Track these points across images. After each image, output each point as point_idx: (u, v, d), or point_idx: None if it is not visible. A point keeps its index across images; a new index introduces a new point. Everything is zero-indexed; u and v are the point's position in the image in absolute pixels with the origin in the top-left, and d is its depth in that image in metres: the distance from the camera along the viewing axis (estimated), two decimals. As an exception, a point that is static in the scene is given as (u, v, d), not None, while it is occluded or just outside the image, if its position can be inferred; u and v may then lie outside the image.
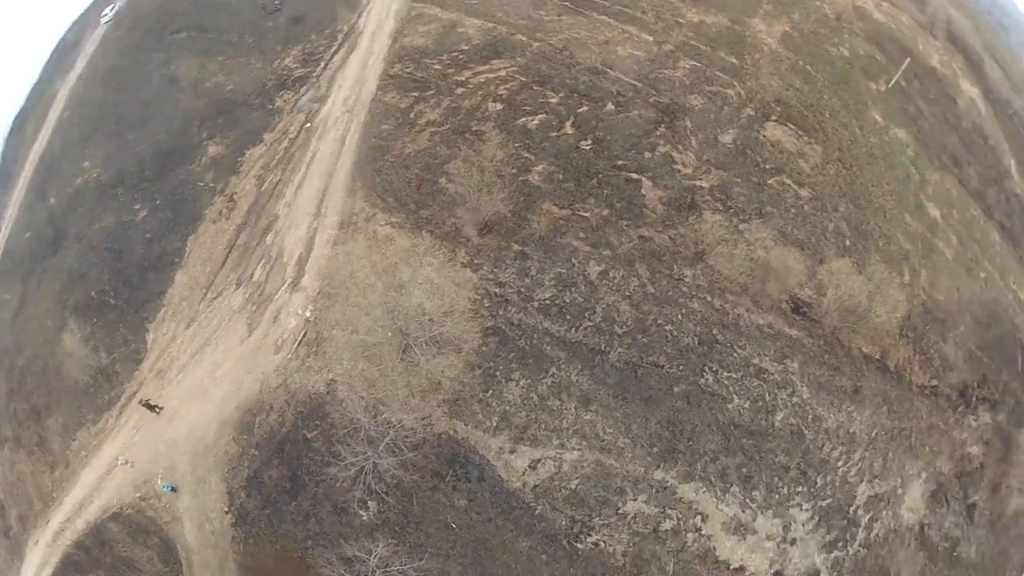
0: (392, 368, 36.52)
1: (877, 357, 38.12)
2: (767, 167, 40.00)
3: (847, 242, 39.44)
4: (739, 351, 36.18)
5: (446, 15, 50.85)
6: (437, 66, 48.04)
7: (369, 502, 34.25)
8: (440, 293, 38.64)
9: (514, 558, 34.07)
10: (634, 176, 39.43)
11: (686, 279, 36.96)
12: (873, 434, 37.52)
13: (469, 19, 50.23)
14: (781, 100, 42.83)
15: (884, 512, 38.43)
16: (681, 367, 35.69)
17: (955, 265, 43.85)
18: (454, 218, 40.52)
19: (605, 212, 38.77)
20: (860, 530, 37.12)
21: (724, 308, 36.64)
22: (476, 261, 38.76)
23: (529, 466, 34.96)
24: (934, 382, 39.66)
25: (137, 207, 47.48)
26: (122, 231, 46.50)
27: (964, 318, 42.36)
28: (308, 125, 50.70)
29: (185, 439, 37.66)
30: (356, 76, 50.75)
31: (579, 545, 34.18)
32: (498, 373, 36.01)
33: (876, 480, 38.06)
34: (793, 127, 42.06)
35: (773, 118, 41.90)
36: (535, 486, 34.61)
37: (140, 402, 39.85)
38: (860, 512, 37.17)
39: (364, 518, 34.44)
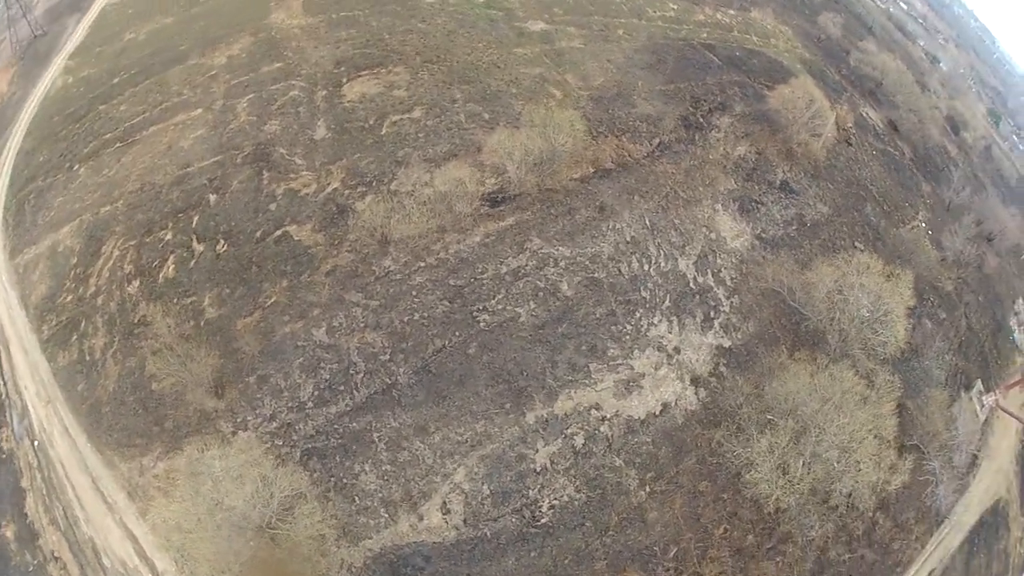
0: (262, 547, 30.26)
1: (592, 170, 35.89)
2: (371, 122, 36.24)
3: (487, 115, 36.68)
4: (483, 277, 32.53)
5: (40, 246, 44.79)
6: (69, 297, 41.78)
7: None
8: (245, 474, 33.47)
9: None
10: (278, 233, 34.53)
11: (391, 268, 32.53)
12: (648, 222, 35.13)
13: (60, 230, 44.17)
14: (340, 60, 39.24)
15: (717, 260, 36.57)
16: (456, 332, 31.56)
17: (589, 47, 42.75)
18: (191, 405, 34.93)
19: (285, 282, 33.55)
20: (716, 291, 34.83)
21: (441, 256, 32.61)
22: (239, 420, 33.05)
23: (443, 512, 30.21)
24: (656, 141, 37.95)
25: None
26: None
27: (630, 78, 41.18)
28: (36, 443, 43.51)
29: None
30: (27, 372, 43.88)
31: (541, 522, 30.10)
32: (345, 480, 30.58)
33: (686, 248, 35.84)
34: (367, 71, 38.66)
35: (344, 80, 38.31)
36: (463, 520, 30.05)
37: None
38: (699, 279, 34.84)
39: None
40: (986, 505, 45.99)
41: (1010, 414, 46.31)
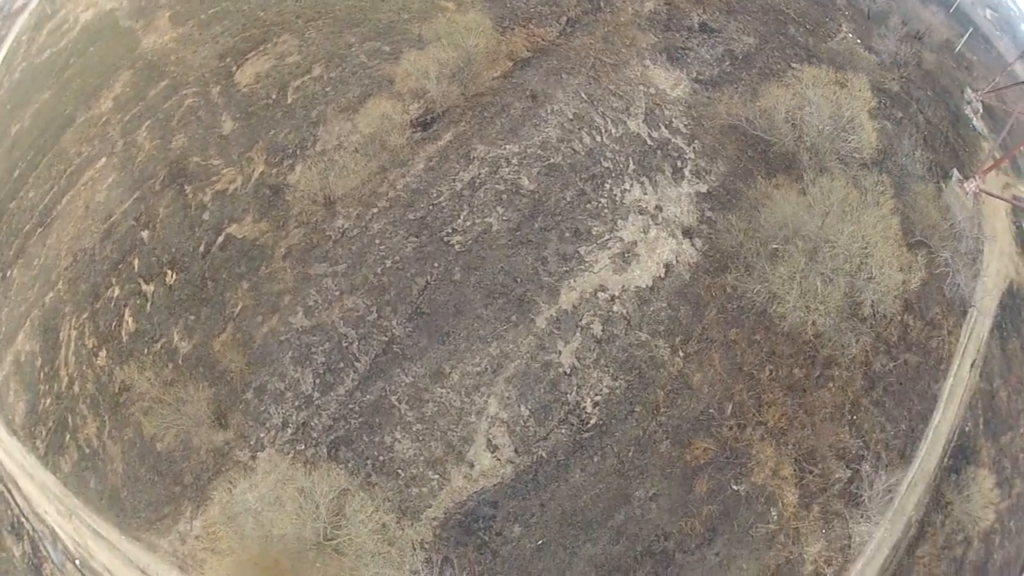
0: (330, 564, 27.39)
1: (511, 64, 32.36)
2: (274, 96, 32.18)
3: (387, 48, 32.81)
4: (441, 200, 29.26)
5: (3, 365, 39.61)
6: (48, 400, 35.89)
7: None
8: (281, 495, 29.94)
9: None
10: (220, 239, 30.77)
11: (346, 226, 28.85)
12: (584, 95, 31.59)
13: (15, 341, 39.05)
14: (223, 52, 35.01)
15: (665, 112, 33.26)
16: (434, 264, 28.33)
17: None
18: (201, 448, 31.31)
19: (245, 284, 29.72)
20: (675, 140, 31.95)
21: (392, 195, 29.08)
22: (254, 442, 29.12)
23: (491, 451, 27.77)
24: (563, 19, 34.92)
25: None
26: None
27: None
28: (78, 561, 39.66)
29: None
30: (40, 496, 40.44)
31: (591, 424, 27.92)
32: (381, 458, 27.80)
33: (630, 109, 32.28)
34: (251, 53, 34.48)
35: (234, 68, 34.51)
36: (514, 451, 27.65)
37: None
38: (654, 135, 31.92)
39: None
40: (1002, 288, 44.57)
41: (995, 196, 45.10)
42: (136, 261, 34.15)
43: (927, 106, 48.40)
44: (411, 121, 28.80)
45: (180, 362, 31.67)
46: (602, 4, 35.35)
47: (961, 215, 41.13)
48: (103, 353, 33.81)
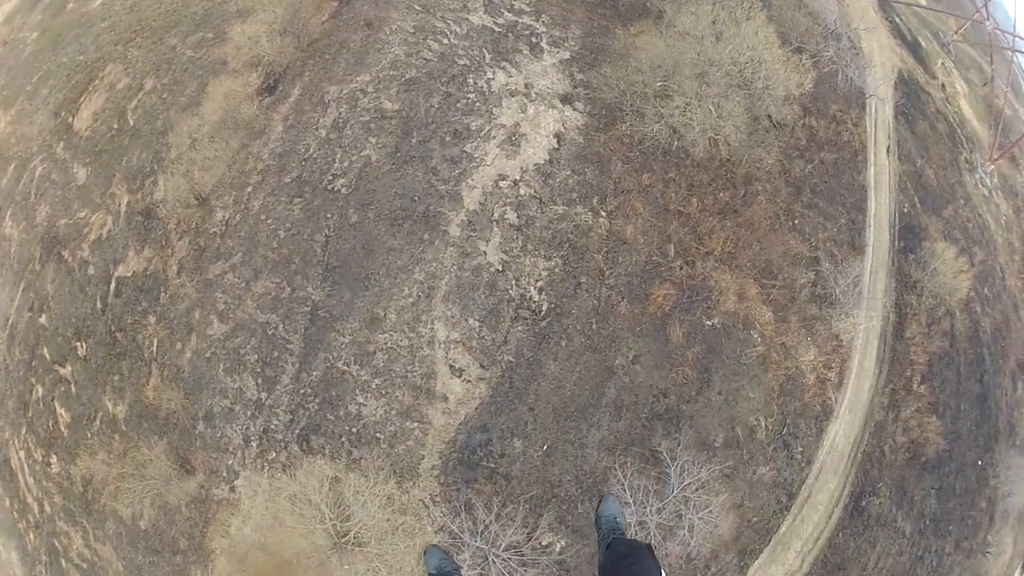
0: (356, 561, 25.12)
1: (336, 3, 30.71)
2: (116, 126, 29.02)
3: (211, 34, 29.26)
4: (311, 153, 26.86)
5: None
6: (30, 535, 32.46)
7: None
8: (275, 513, 26.55)
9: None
10: (112, 287, 27.42)
11: (227, 215, 25.78)
12: (417, 6, 29.24)
13: None
14: (56, 110, 31.12)
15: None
16: (327, 215, 25.83)
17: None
18: (180, 502, 27.81)
19: (152, 319, 26.56)
20: (522, 19, 30.17)
21: (261, 167, 26.12)
22: (225, 472, 25.83)
23: (458, 376, 25.39)
24: None
25: None
26: None
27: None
28: None
29: None
30: None
31: (544, 310, 26.13)
32: (354, 430, 25.37)
33: (468, 5, 30.32)
34: (83, 96, 30.72)
35: (71, 119, 30.61)
36: (480, 366, 25.48)
37: None
38: (499, 20, 30.23)
39: None
40: (892, 77, 44.83)
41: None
42: (45, 350, 30.87)
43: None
44: (256, 90, 26.70)
45: (124, 427, 28.49)
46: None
47: (831, 16, 40.82)
48: (53, 459, 30.43)
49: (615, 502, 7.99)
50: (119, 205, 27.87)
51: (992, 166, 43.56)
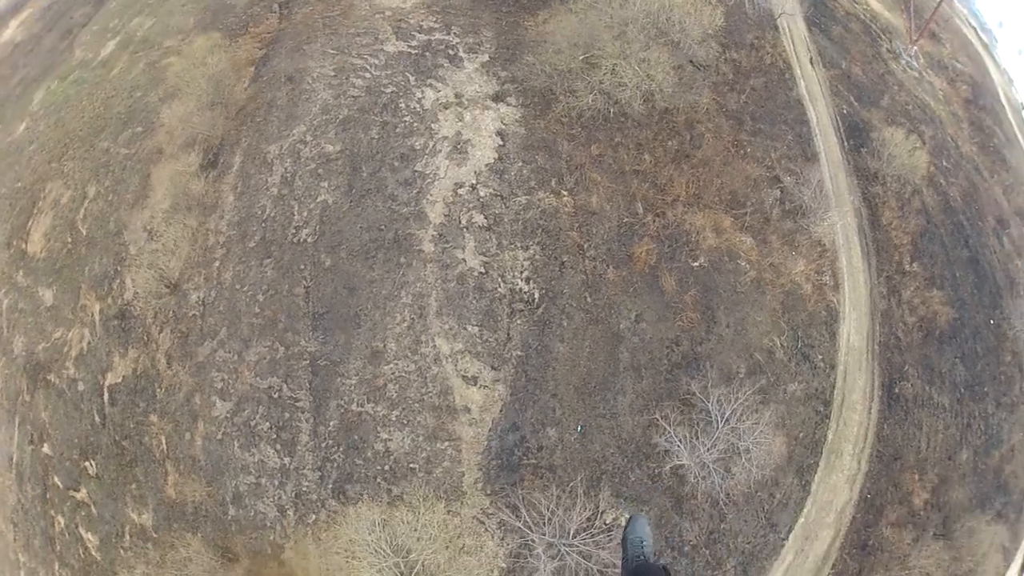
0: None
1: (253, 68, 30.25)
2: (69, 239, 27.80)
3: (140, 128, 29.22)
4: (267, 214, 26.25)
5: None
6: None
7: None
8: (337, 569, 26.45)
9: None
10: (105, 396, 26.18)
11: (202, 296, 25.00)
12: (331, 49, 29.14)
13: None
14: (7, 241, 30.49)
15: (410, 20, 31.07)
16: (301, 267, 25.10)
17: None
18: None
19: (154, 417, 25.60)
20: (434, 35, 30.24)
21: (221, 240, 25.58)
22: (268, 545, 24.90)
23: (472, 384, 24.81)
24: (274, 7, 32.46)
25: None
26: None
27: None
28: None
29: None
30: None
31: (536, 298, 25.82)
32: (388, 468, 24.53)
33: (379, 35, 30.09)
34: (30, 220, 29.18)
35: (24, 245, 30.06)
36: (491, 367, 24.95)
37: None
38: (412, 43, 30.15)
39: None
40: None
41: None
42: (56, 479, 29.43)
43: None
44: (199, 167, 26.11)
45: (154, 534, 27.26)
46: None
47: None
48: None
49: (644, 523, 7.76)
50: (92, 315, 26.92)
51: (915, 48, 44.65)
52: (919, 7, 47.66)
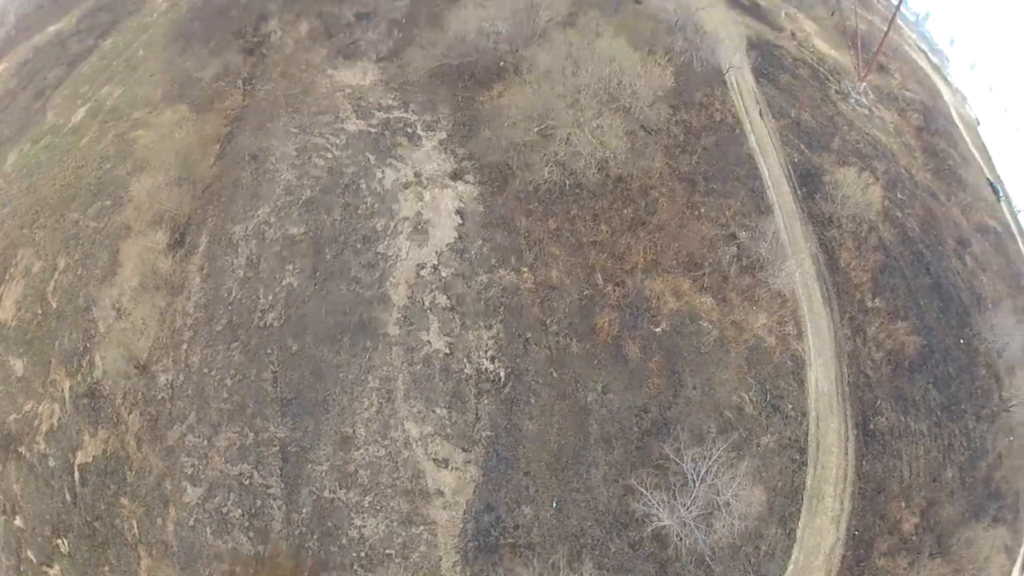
0: None
1: (218, 144, 30.32)
2: (39, 311, 28.03)
3: (108, 201, 28.79)
4: (232, 297, 26.50)
5: None
6: None
7: None
8: None
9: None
10: (75, 475, 26.12)
11: (170, 378, 25.23)
12: (293, 129, 29.88)
13: None
14: None
15: (370, 99, 32.17)
16: (268, 351, 25.40)
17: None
18: None
19: (124, 500, 25.37)
20: (392, 113, 30.96)
21: (189, 322, 25.94)
22: None
23: (445, 468, 25.25)
24: (239, 83, 32.35)
25: None
26: None
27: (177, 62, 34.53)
28: None
29: None
30: None
31: (502, 376, 26.29)
32: (365, 554, 24.75)
33: (340, 114, 30.96)
34: (1, 287, 29.96)
35: None
36: (462, 449, 25.39)
37: None
38: (372, 123, 30.72)
39: None
40: (743, 46, 44.21)
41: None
42: (30, 553, 29.27)
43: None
44: (167, 246, 26.18)
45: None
46: (263, 51, 33.83)
47: (669, 9, 41.64)
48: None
49: None
50: (62, 391, 26.93)
51: (863, 84, 45.05)
52: (867, 40, 47.87)
